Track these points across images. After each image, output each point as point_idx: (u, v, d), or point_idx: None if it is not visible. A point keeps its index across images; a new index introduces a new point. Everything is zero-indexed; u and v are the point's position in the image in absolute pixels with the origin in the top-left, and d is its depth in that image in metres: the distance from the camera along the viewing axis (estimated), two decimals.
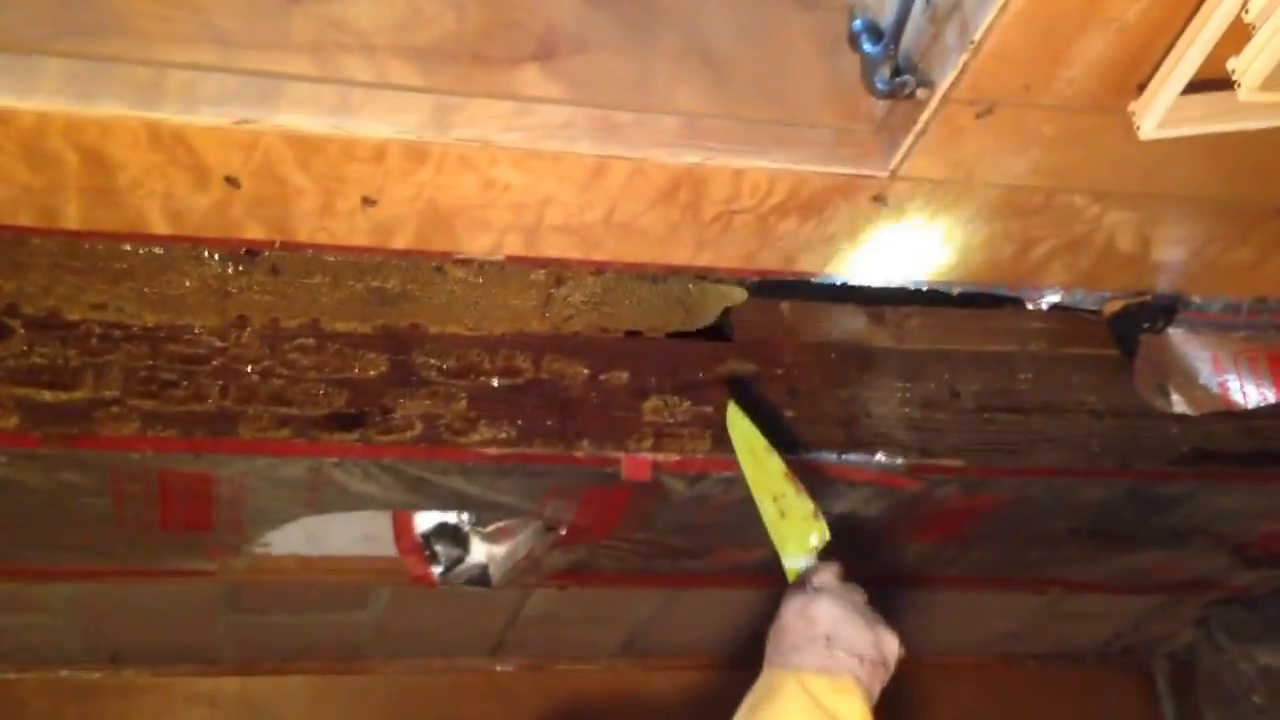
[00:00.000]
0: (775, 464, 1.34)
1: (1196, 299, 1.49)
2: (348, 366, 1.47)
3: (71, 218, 1.07)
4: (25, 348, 1.38)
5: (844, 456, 1.58)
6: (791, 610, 1.20)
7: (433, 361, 1.50)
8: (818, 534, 1.29)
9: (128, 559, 1.71)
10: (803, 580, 1.25)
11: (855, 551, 1.90)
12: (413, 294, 1.49)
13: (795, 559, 1.29)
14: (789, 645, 1.17)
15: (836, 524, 1.73)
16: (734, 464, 1.56)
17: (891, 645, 1.19)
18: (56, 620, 1.92)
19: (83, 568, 1.73)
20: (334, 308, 1.48)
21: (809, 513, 1.30)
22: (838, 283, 1.36)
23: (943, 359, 1.65)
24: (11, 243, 1.36)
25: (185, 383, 1.41)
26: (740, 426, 1.38)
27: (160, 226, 1.09)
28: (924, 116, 1.09)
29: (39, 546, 1.67)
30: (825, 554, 1.28)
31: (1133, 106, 1.08)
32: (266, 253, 1.41)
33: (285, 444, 1.43)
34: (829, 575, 1.25)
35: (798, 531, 1.30)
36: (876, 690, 1.17)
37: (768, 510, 1.33)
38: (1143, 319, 1.53)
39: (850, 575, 1.26)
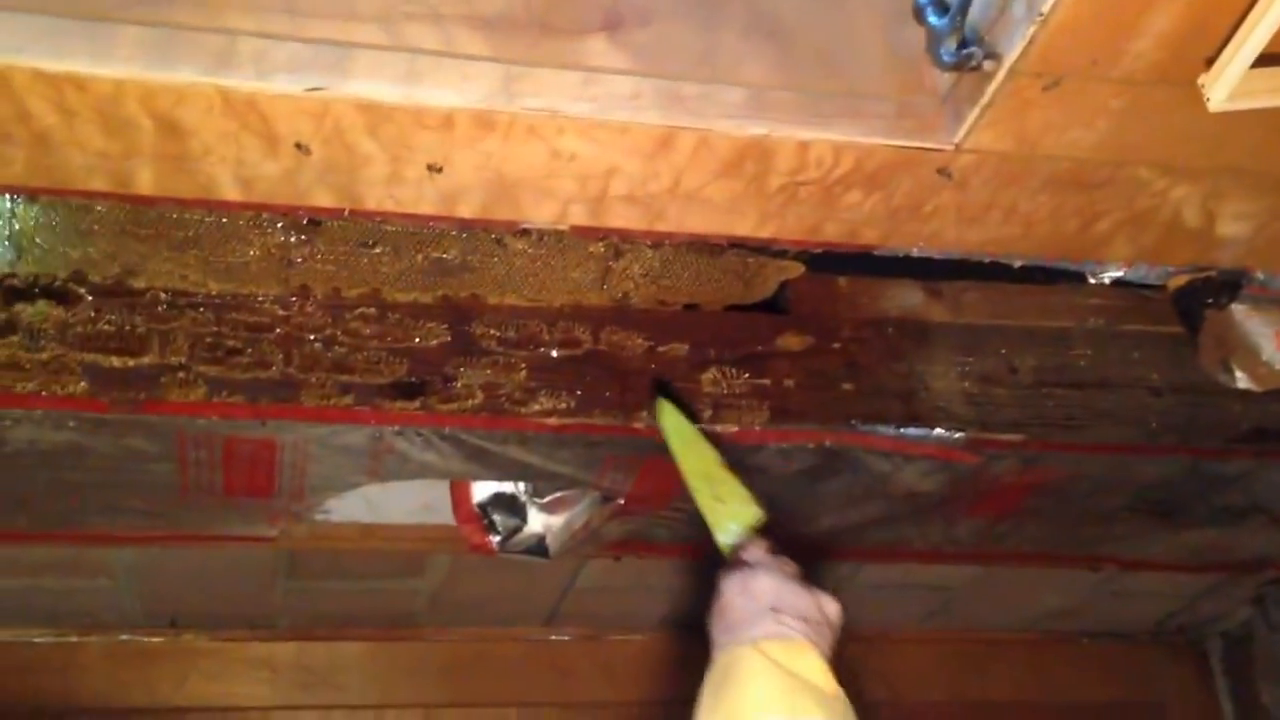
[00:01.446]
0: (708, 452, 1.41)
1: (1260, 274, 1.48)
2: (409, 336, 1.48)
3: (145, 184, 1.08)
4: (93, 314, 1.40)
5: (902, 430, 1.58)
6: (732, 589, 1.23)
7: (493, 332, 1.51)
8: (753, 515, 1.34)
9: (190, 524, 1.73)
10: (737, 558, 1.28)
11: (911, 525, 1.91)
12: (473, 265, 1.50)
13: (729, 536, 1.33)
14: (737, 622, 1.20)
15: (893, 498, 1.74)
16: (793, 435, 1.57)
17: (832, 607, 1.23)
18: (118, 584, 1.95)
19: (145, 533, 1.76)
20: (395, 278, 1.49)
21: (744, 497, 1.36)
22: (899, 255, 1.35)
23: (1001, 334, 1.65)
24: (78, 210, 1.38)
25: (250, 350, 1.43)
26: (671, 418, 1.45)
27: (231, 193, 1.10)
28: (990, 89, 1.08)
29: (104, 511, 1.69)
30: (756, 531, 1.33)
31: (1202, 79, 1.07)
32: (329, 222, 1.43)
33: (348, 411, 1.45)
34: (760, 550, 1.28)
35: (732, 513, 1.35)
36: (827, 650, 1.20)
37: (702, 493, 1.37)
38: (1207, 294, 1.52)
39: (779, 549, 1.30)
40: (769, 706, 1.11)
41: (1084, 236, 1.30)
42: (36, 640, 2.01)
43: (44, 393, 1.36)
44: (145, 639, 2.08)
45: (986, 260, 1.35)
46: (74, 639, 2.04)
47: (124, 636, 2.06)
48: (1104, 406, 1.64)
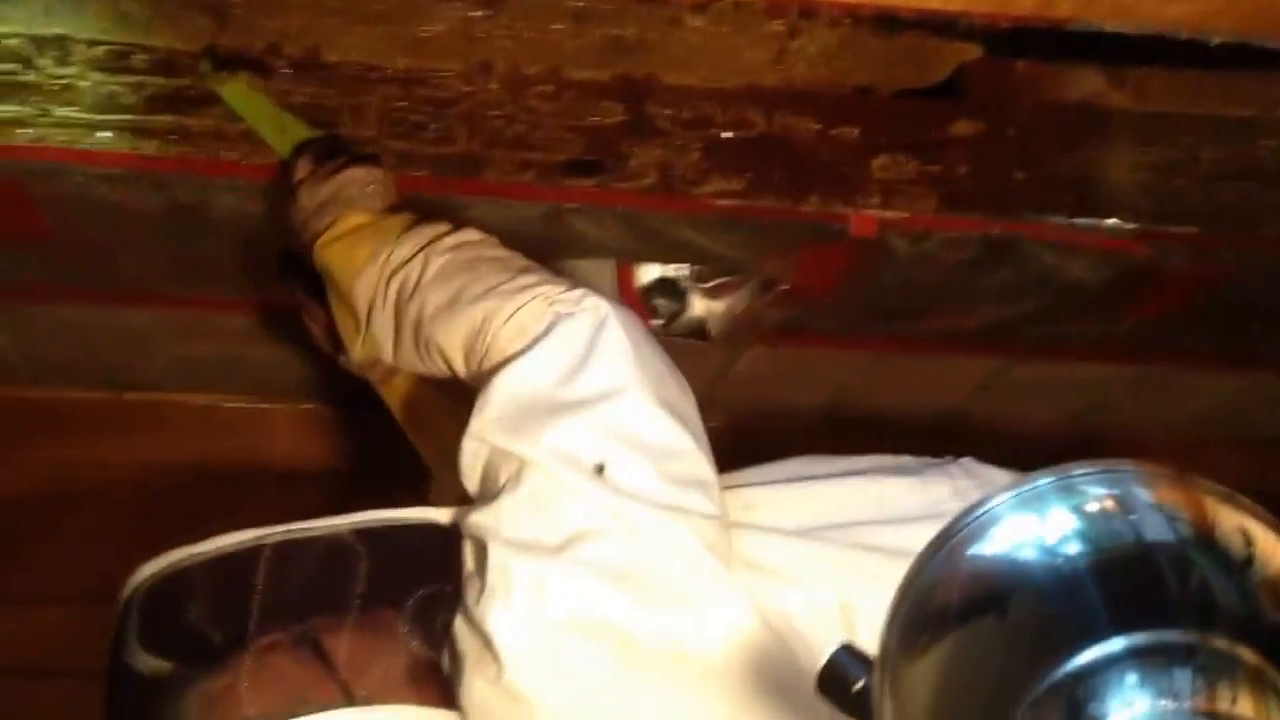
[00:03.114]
0: (271, 108, 1.43)
1: None
2: (586, 114, 1.51)
3: None
4: (288, 87, 1.45)
5: (1074, 221, 1.57)
6: (292, 220, 1.33)
7: (667, 112, 1.53)
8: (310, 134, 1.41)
9: None
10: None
11: (1071, 322, 1.90)
12: (650, 43, 1.51)
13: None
14: (303, 234, 1.30)
15: (1057, 292, 1.73)
16: (961, 224, 1.58)
17: (355, 174, 1.32)
18: (306, 355, 2.02)
19: None
20: (573, 55, 1.50)
21: (307, 128, 1.42)
22: (1086, 33, 1.32)
23: (1183, 123, 1.60)
24: None
25: (434, 125, 1.47)
26: (226, 87, 1.43)
27: None
28: None
29: None
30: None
31: None
32: None
33: (528, 188, 1.49)
34: (301, 169, 1.35)
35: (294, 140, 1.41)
36: (390, 194, 1.33)
37: (272, 138, 1.42)
38: None
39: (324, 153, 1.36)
40: (360, 263, 1.23)
41: None
42: (228, 405, 2.10)
43: (246, 162, 1.42)
44: (328, 409, 2.17)
45: (1181, 38, 1.32)
46: (263, 405, 2.13)
47: (308, 405, 2.15)
48: None
